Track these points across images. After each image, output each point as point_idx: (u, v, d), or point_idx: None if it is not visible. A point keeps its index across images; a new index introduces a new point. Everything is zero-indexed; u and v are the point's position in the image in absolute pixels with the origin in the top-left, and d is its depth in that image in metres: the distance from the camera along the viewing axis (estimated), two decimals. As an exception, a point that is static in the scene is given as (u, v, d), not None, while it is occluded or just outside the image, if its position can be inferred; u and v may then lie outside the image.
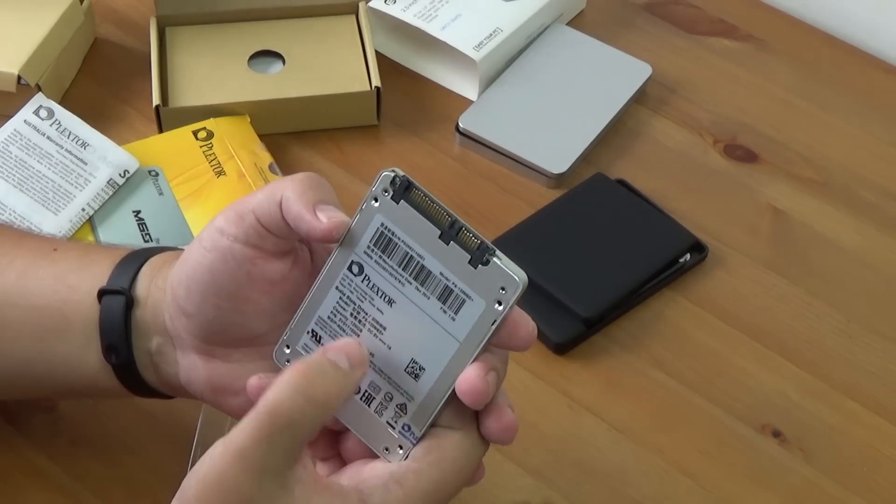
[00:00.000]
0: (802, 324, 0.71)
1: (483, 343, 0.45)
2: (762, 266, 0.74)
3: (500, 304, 0.44)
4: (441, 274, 0.44)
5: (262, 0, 0.83)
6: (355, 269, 0.46)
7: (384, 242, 0.45)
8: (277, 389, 0.43)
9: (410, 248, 0.45)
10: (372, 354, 0.46)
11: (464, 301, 0.44)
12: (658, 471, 0.64)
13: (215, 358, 0.51)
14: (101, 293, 0.53)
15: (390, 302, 0.46)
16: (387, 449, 0.47)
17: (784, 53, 0.89)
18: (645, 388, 0.68)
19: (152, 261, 0.54)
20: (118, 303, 0.52)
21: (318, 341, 0.47)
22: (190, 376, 0.52)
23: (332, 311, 0.47)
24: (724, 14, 0.92)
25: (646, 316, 0.71)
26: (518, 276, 0.44)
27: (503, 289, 0.44)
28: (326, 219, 0.46)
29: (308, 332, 0.48)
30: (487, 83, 0.83)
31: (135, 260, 0.54)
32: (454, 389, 0.45)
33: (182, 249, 0.53)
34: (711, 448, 0.65)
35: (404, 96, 0.83)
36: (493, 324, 0.44)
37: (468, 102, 0.82)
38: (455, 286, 0.44)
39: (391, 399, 0.47)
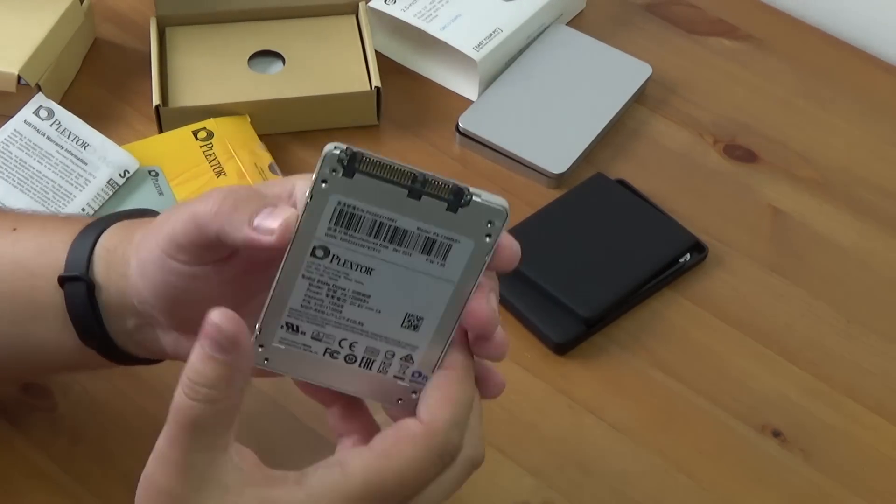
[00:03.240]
0: (802, 324, 0.71)
1: (480, 276, 0.44)
2: (762, 266, 0.74)
3: (489, 236, 0.43)
4: (419, 229, 0.43)
5: (262, 0, 0.83)
6: (319, 252, 0.44)
7: (346, 218, 0.43)
8: (177, 391, 0.43)
9: (378, 215, 0.43)
10: (362, 323, 0.46)
11: (450, 246, 0.43)
12: (658, 471, 0.64)
13: (195, 333, 0.50)
14: (62, 280, 0.52)
15: (368, 271, 0.44)
16: (400, 400, 0.47)
17: (784, 53, 0.89)
18: (645, 388, 0.68)
19: (105, 239, 0.52)
20: (81, 288, 0.51)
21: (297, 331, 0.46)
22: (177, 349, 0.51)
23: (304, 299, 0.45)
24: (724, 14, 0.92)
25: (646, 316, 0.71)
26: (501, 204, 0.43)
27: (490, 222, 0.43)
28: (268, 232, 0.44)
29: (283, 327, 0.46)
30: (487, 83, 0.83)
31: (88, 236, 0.53)
32: (458, 325, 0.45)
33: (131, 213, 0.53)
34: (711, 448, 0.65)
35: (404, 96, 0.83)
36: (487, 255, 0.44)
37: (468, 102, 0.82)
38: (438, 236, 0.43)
39: (393, 356, 0.46)
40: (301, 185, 0.47)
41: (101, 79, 0.83)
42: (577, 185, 0.76)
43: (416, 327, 0.45)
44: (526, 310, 0.69)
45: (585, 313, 0.69)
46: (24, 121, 0.73)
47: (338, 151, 0.42)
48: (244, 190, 0.47)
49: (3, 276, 0.53)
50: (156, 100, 0.76)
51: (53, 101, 0.74)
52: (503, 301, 0.70)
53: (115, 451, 0.62)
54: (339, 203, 0.43)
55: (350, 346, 0.46)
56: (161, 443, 0.43)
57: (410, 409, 0.46)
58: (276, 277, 0.45)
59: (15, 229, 0.55)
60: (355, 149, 0.42)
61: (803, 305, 0.72)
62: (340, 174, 0.42)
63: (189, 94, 0.78)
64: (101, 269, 0.52)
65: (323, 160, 0.42)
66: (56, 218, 0.60)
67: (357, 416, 0.49)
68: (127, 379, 0.65)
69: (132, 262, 0.50)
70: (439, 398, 0.45)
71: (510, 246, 0.45)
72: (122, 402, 0.64)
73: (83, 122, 0.74)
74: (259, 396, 0.63)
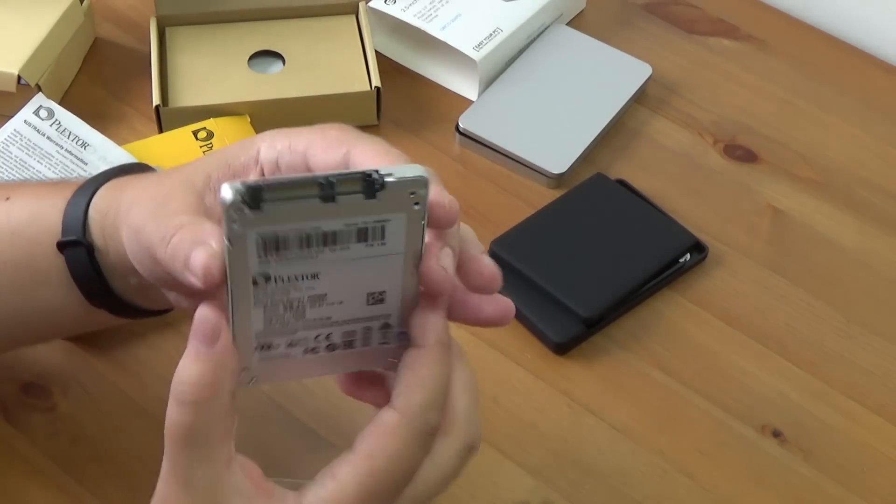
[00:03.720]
0: (802, 324, 0.71)
1: (423, 235, 0.44)
2: (762, 266, 0.74)
3: (417, 203, 0.43)
4: (346, 224, 0.42)
5: (262, 0, 0.83)
6: (260, 280, 0.43)
7: (272, 244, 0.42)
8: (168, 405, 0.43)
9: (301, 229, 0.42)
10: (328, 317, 0.45)
11: (384, 226, 0.43)
12: (658, 471, 0.64)
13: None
14: (60, 246, 0.52)
15: (315, 276, 0.44)
16: (392, 359, 0.47)
17: (784, 53, 0.89)
18: (645, 388, 0.68)
19: (97, 202, 0.52)
20: (81, 252, 0.52)
21: (271, 347, 0.46)
22: (179, 301, 0.51)
23: (265, 322, 0.45)
24: (724, 14, 0.92)
25: (646, 316, 0.71)
26: (417, 172, 0.42)
27: (413, 192, 0.43)
28: (197, 277, 0.42)
29: (256, 349, 0.46)
30: (487, 83, 0.83)
31: (81, 199, 0.52)
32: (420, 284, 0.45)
33: (121, 170, 0.53)
34: (711, 448, 0.65)
35: (404, 96, 0.83)
36: (422, 219, 0.43)
37: (468, 102, 0.82)
38: (367, 223, 0.43)
39: (370, 329, 0.46)
40: (264, 147, 0.47)
41: (101, 79, 0.83)
42: (577, 185, 0.76)
43: (381, 300, 0.45)
44: (526, 310, 0.69)
45: (585, 313, 0.69)
46: (24, 121, 0.73)
47: (235, 194, 0.40)
48: (189, 226, 0.45)
49: (2, 247, 0.53)
50: (156, 100, 0.76)
51: (53, 101, 0.74)
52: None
53: (115, 451, 0.62)
54: (257, 236, 0.42)
55: (326, 337, 0.46)
56: (163, 464, 0.44)
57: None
58: (231, 318, 0.44)
59: (8, 198, 0.55)
60: (251, 182, 0.41)
61: (803, 305, 0.72)
62: (247, 211, 0.41)
63: (189, 94, 0.78)
64: (97, 232, 0.52)
65: (224, 213, 0.41)
66: (48, 184, 0.59)
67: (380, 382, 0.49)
68: (127, 379, 0.65)
69: (122, 230, 0.49)
70: (411, 381, 0.45)
71: (444, 203, 0.44)
72: (122, 402, 0.64)
73: (83, 122, 0.74)
74: (259, 397, 0.63)
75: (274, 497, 0.44)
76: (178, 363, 0.43)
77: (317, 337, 0.46)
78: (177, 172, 0.50)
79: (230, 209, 0.40)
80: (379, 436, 0.44)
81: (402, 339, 0.47)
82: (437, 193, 0.44)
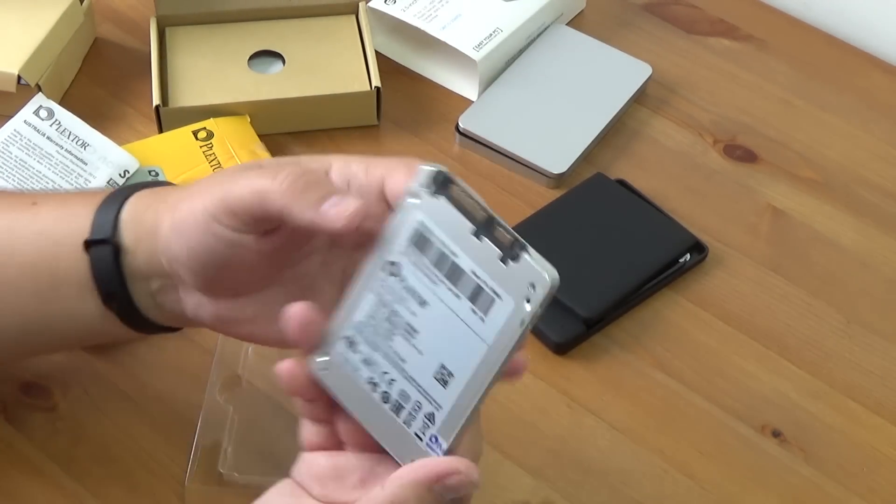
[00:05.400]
0: (802, 324, 0.71)
1: (513, 346, 0.43)
2: (762, 266, 0.74)
3: (528, 301, 0.42)
4: (472, 272, 0.43)
5: (262, 0, 0.83)
6: (392, 269, 0.45)
7: (421, 241, 0.44)
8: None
9: (445, 245, 0.44)
10: (404, 360, 0.45)
11: (493, 300, 0.43)
12: (658, 471, 0.64)
13: (221, 296, 0.51)
14: (87, 244, 0.53)
15: (423, 304, 0.45)
16: (413, 460, 0.46)
17: (784, 53, 0.89)
18: (645, 388, 0.68)
19: (132, 204, 0.53)
20: (107, 251, 0.52)
21: (354, 348, 0.46)
22: (197, 312, 0.52)
23: (367, 315, 0.46)
24: (724, 14, 0.92)
25: (646, 316, 0.71)
26: (548, 272, 0.42)
27: (532, 286, 0.42)
28: (337, 218, 0.45)
29: (343, 339, 0.46)
30: (487, 83, 0.83)
31: (113, 203, 0.53)
32: (481, 401, 0.44)
33: (154, 184, 0.54)
34: (711, 448, 0.65)
35: (404, 96, 0.83)
36: (521, 325, 0.43)
37: (468, 102, 0.82)
38: (485, 284, 0.43)
39: (420, 408, 0.45)
40: (337, 165, 0.48)
41: (101, 79, 0.83)
42: (577, 185, 0.76)
43: (445, 383, 0.45)
44: (526, 310, 0.69)
45: (585, 313, 0.69)
46: (24, 121, 0.73)
47: (434, 170, 0.44)
48: (309, 172, 0.47)
49: (25, 248, 0.54)
50: (156, 100, 0.76)
51: (53, 101, 0.74)
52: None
53: (115, 451, 0.62)
54: (419, 223, 0.44)
55: (389, 382, 0.46)
56: None
57: None
58: (353, 284, 0.46)
59: (35, 203, 0.56)
60: (449, 173, 0.44)
61: (803, 305, 0.72)
62: (431, 193, 0.44)
63: (189, 94, 0.78)
64: (129, 231, 0.52)
65: (420, 175, 0.44)
66: (74, 192, 0.61)
67: (332, 414, 0.49)
68: (127, 379, 0.65)
69: (166, 221, 0.50)
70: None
71: (520, 370, 0.46)
72: (122, 401, 0.64)
73: (83, 122, 0.74)
74: (259, 396, 0.63)
75: None
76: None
77: (384, 373, 0.46)
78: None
79: (420, 182, 0.44)
80: None
81: (431, 445, 0.46)
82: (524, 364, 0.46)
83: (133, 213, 0.53)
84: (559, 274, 0.70)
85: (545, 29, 0.86)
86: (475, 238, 0.43)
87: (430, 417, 0.45)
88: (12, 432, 0.63)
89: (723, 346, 0.70)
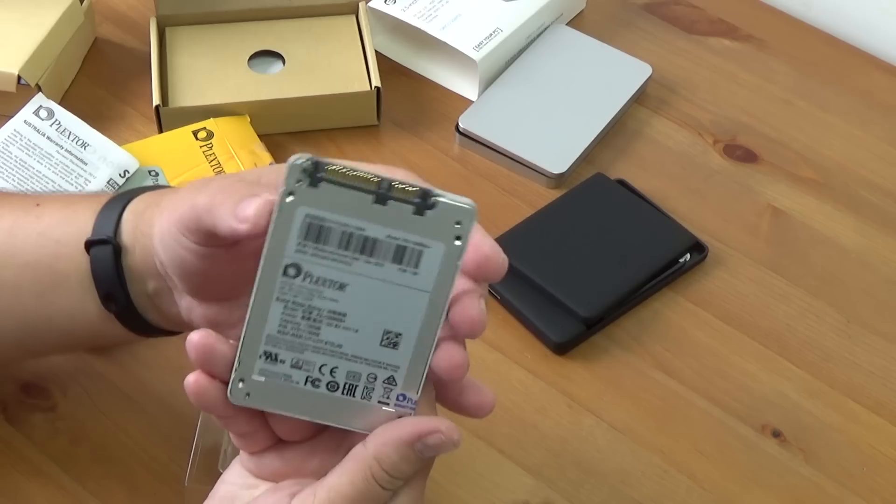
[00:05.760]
0: (802, 324, 0.71)
1: (453, 282, 0.43)
2: (762, 266, 0.74)
3: (458, 238, 0.42)
4: (388, 236, 0.42)
5: (262, 0, 0.83)
6: (291, 271, 0.43)
7: (315, 232, 0.42)
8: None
9: (346, 224, 0.42)
10: (340, 346, 0.44)
11: (421, 252, 0.43)
12: (658, 471, 0.64)
13: (209, 301, 0.51)
14: (89, 244, 0.53)
15: (342, 287, 0.43)
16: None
17: (784, 53, 0.89)
18: (645, 388, 0.68)
19: (133, 205, 0.54)
20: (107, 252, 0.52)
21: (275, 360, 0.45)
22: (190, 315, 0.52)
23: (280, 324, 0.44)
24: (724, 14, 0.92)
25: (646, 316, 0.71)
26: (467, 203, 0.42)
27: (458, 223, 0.42)
28: (244, 219, 0.43)
29: (262, 356, 0.45)
30: (487, 83, 0.83)
31: (116, 205, 0.54)
32: (437, 344, 0.44)
33: (157, 188, 0.54)
34: (711, 448, 0.65)
35: (404, 96, 0.83)
36: (458, 259, 0.43)
37: (468, 102, 0.82)
38: (408, 242, 0.42)
39: (375, 378, 0.45)
40: (268, 170, 0.48)
41: (101, 79, 0.83)
42: (577, 185, 0.76)
43: (395, 345, 0.44)
44: (526, 310, 0.69)
45: (585, 313, 0.69)
46: (24, 121, 0.73)
47: (301, 161, 0.41)
48: (236, 181, 0.47)
49: (27, 248, 0.54)
50: (156, 100, 0.76)
51: (53, 101, 0.74)
52: (504, 301, 0.70)
53: (115, 451, 0.62)
54: (306, 216, 0.42)
55: (331, 371, 0.45)
56: None
57: None
58: (251, 302, 0.44)
59: (38, 205, 0.56)
60: (318, 157, 0.41)
61: (803, 305, 0.72)
62: (306, 185, 0.41)
63: (189, 94, 0.78)
64: (129, 231, 0.53)
65: (288, 171, 0.41)
66: (78, 194, 0.61)
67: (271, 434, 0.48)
68: (127, 379, 0.65)
69: (156, 227, 0.51)
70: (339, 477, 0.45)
71: (495, 257, 0.45)
72: (122, 402, 0.64)
73: (83, 122, 0.74)
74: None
75: None
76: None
77: (322, 367, 0.45)
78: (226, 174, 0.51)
79: (291, 175, 0.41)
80: None
81: (400, 404, 0.45)
82: (490, 247, 0.44)
83: (133, 214, 0.53)
84: (559, 274, 0.70)
85: (545, 29, 0.86)
86: (378, 205, 0.42)
87: (391, 380, 0.45)
88: (12, 432, 0.63)
89: (723, 346, 0.70)
